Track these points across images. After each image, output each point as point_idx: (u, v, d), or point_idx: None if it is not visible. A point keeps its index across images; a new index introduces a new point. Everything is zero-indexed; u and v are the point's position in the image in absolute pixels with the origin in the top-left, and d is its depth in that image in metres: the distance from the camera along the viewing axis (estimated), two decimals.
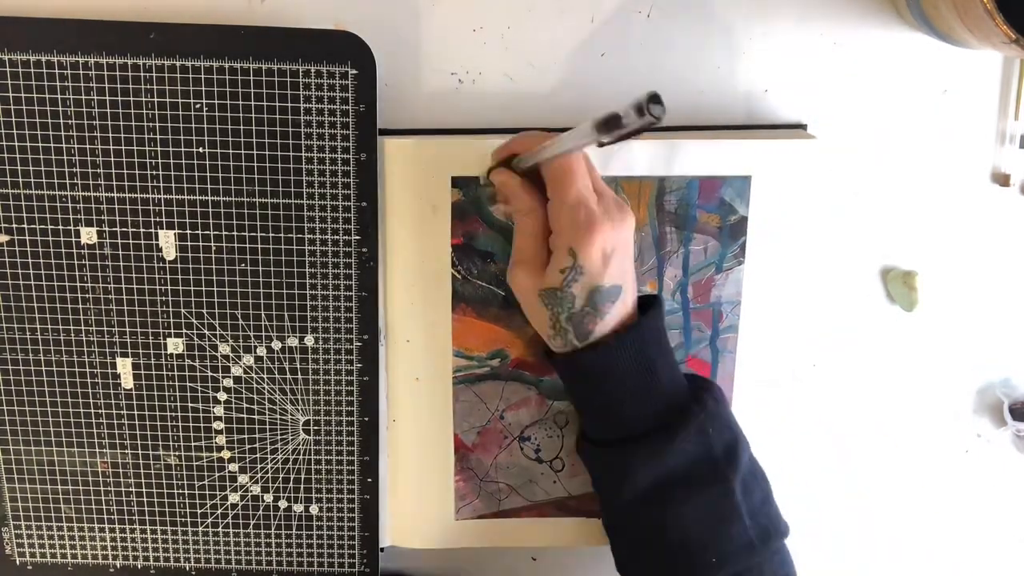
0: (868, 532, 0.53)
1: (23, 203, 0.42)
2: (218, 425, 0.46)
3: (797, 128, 0.46)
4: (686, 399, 0.41)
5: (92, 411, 0.46)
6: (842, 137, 0.47)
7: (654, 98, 0.30)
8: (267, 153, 0.42)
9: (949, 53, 0.46)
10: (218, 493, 0.47)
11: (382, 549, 0.49)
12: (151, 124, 0.42)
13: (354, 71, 0.41)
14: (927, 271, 0.48)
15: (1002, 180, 0.48)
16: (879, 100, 0.47)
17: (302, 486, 0.47)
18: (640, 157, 0.44)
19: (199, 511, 0.47)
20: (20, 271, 0.43)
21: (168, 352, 0.45)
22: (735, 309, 0.47)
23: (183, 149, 0.42)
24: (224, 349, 0.45)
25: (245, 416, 0.46)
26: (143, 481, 0.47)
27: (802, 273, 0.47)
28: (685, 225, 0.45)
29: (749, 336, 0.47)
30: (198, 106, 0.41)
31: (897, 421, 0.51)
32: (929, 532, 0.52)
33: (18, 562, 0.48)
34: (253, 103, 0.42)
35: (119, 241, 0.43)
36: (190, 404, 0.46)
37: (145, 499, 0.47)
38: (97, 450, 0.46)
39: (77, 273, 0.44)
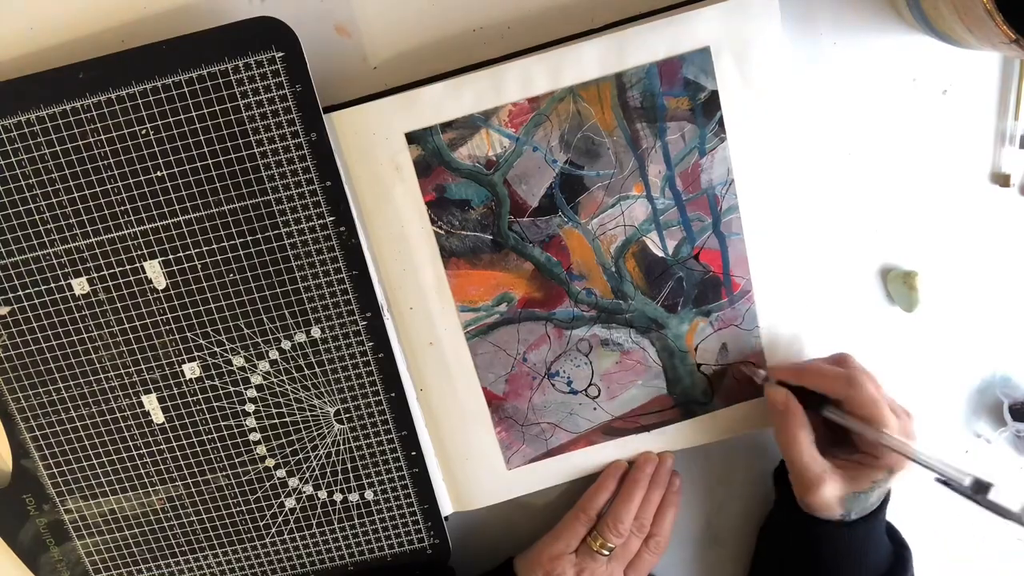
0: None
1: (12, 271, 0.43)
2: (254, 436, 0.47)
3: None
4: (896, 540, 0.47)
5: (134, 452, 0.47)
6: (841, 137, 0.46)
7: None
8: (221, 159, 0.42)
9: (949, 53, 0.45)
10: (274, 501, 0.48)
11: (446, 518, 0.49)
12: (105, 162, 0.42)
13: (280, 54, 0.41)
14: (927, 271, 0.48)
15: (1002, 180, 0.47)
16: (879, 100, 0.46)
17: (351, 475, 0.47)
18: (589, 59, 0.42)
19: (261, 523, 0.48)
20: (29, 337, 0.45)
21: (187, 378, 0.46)
22: (730, 189, 0.45)
23: (142, 178, 0.42)
24: (238, 361, 0.45)
25: (277, 421, 0.46)
26: (200, 508, 0.48)
27: (789, 136, 0.44)
28: (655, 116, 0.44)
29: (752, 212, 0.45)
30: (144, 132, 0.42)
31: None
32: (929, 532, 0.52)
33: None
34: (194, 113, 0.42)
35: (110, 284, 0.44)
36: (222, 423, 0.46)
37: (208, 524, 0.48)
38: (150, 488, 0.47)
39: (81, 325, 0.44)
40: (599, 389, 0.47)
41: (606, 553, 0.46)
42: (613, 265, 0.46)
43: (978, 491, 0.39)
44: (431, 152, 0.43)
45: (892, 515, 0.47)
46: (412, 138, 0.43)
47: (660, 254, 0.46)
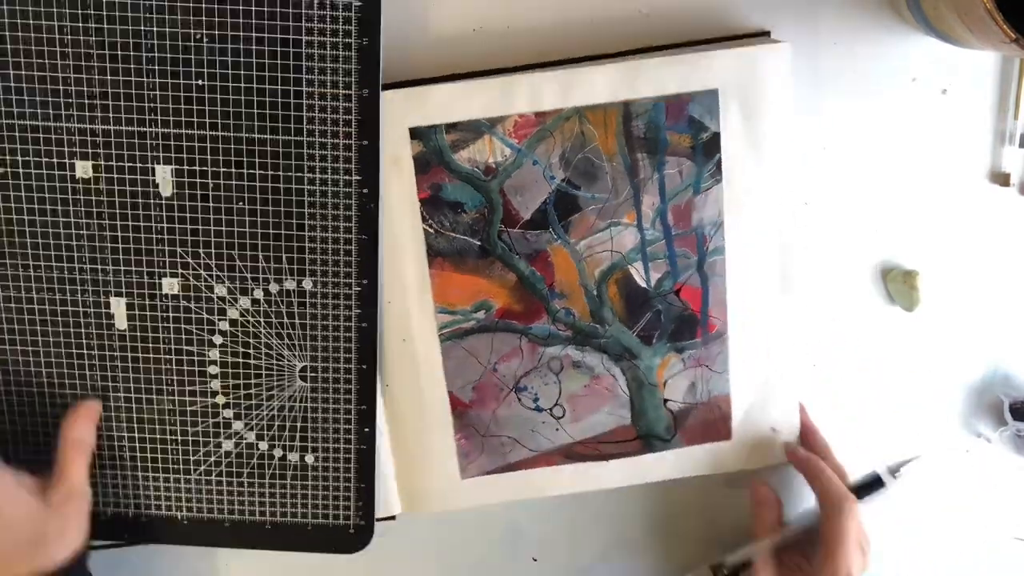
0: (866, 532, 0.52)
1: (16, 134, 0.42)
2: (213, 369, 0.45)
3: (761, 36, 0.45)
4: None
5: (84, 351, 0.45)
6: (841, 137, 0.47)
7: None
8: (267, 87, 0.41)
9: (949, 53, 0.46)
10: (211, 440, 0.46)
11: (393, 517, 0.48)
12: (150, 55, 0.41)
13: (358, 3, 0.41)
14: (927, 271, 0.48)
15: (1001, 180, 0.48)
16: (879, 100, 0.47)
17: (298, 435, 0.46)
18: (601, 84, 0.43)
19: (192, 458, 0.46)
20: (13, 204, 0.42)
21: (163, 292, 0.44)
22: (719, 231, 0.46)
23: (182, 81, 0.41)
24: (220, 291, 0.44)
25: (241, 361, 0.45)
26: (135, 426, 0.46)
27: (783, 187, 0.45)
28: (656, 149, 0.44)
29: (736, 257, 0.46)
30: (198, 36, 0.41)
31: (897, 421, 0.51)
32: (929, 532, 0.52)
33: None
34: (254, 34, 0.41)
35: (115, 176, 0.42)
36: (184, 347, 0.45)
37: (137, 445, 0.46)
38: (90, 392, 0.45)
39: (71, 208, 0.43)
40: (564, 410, 0.48)
41: None
42: (595, 288, 0.46)
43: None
44: (432, 150, 0.43)
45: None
46: (415, 134, 0.43)
47: (643, 284, 0.46)
